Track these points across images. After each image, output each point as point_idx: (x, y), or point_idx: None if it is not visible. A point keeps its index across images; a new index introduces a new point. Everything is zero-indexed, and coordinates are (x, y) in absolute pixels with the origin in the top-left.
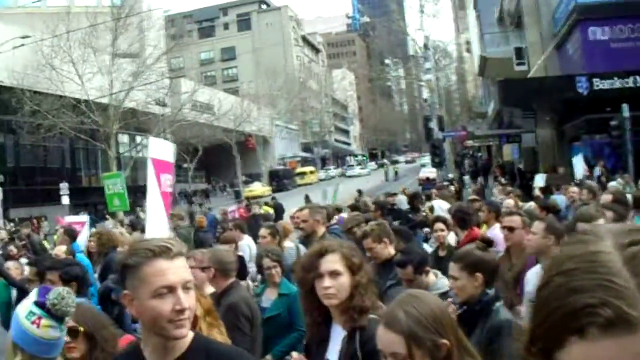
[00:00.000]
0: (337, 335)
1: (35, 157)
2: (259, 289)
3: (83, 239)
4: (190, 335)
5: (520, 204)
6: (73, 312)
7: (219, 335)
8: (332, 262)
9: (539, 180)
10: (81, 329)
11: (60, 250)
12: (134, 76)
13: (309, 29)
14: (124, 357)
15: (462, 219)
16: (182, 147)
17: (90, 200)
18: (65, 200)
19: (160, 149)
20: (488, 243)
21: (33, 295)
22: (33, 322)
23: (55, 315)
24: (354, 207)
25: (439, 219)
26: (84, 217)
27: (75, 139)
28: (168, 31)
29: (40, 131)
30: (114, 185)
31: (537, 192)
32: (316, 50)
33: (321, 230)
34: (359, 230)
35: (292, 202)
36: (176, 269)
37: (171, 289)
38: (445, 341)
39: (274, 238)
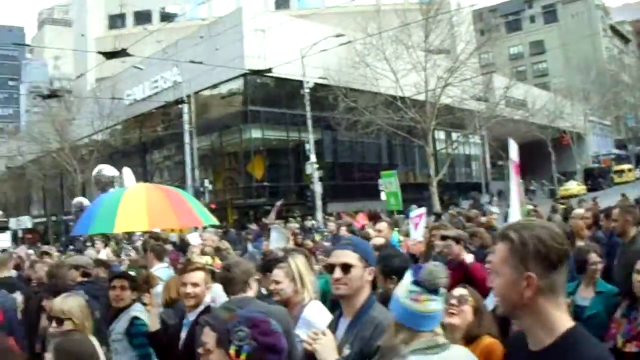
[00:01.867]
0: None
1: (353, 152)
2: (570, 287)
3: (421, 231)
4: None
5: None
6: (445, 283)
7: None
8: None
9: None
10: (470, 302)
11: None
12: (449, 72)
13: (616, 17)
14: (516, 335)
15: None
16: (498, 143)
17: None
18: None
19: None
20: None
21: (409, 276)
22: (414, 300)
23: (429, 288)
24: None
25: None
26: (422, 210)
27: (392, 135)
28: (476, 26)
29: (357, 127)
30: (390, 184)
31: None
32: (626, 40)
33: (632, 230)
34: None
35: (607, 203)
36: None
37: None
38: None
39: None
